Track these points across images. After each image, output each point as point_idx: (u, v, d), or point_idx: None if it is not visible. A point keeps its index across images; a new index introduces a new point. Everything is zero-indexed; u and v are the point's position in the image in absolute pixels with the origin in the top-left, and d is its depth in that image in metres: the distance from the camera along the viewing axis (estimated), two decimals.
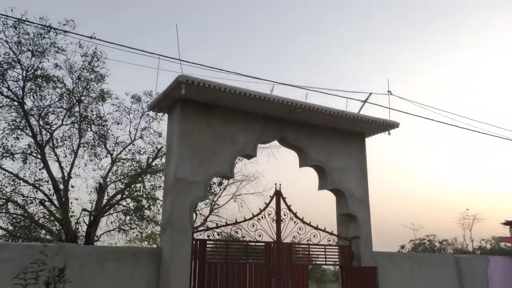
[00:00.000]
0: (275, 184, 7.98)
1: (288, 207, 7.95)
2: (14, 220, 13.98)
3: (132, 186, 15.43)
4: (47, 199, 14.11)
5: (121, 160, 16.03)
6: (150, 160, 15.97)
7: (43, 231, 14.07)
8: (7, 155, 13.70)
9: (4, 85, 13.29)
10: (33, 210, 14.06)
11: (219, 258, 7.20)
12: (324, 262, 8.31)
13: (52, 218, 13.90)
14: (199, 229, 7.47)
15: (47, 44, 13.51)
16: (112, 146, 15.81)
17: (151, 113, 15.98)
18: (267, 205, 7.82)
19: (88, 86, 14.69)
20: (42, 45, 13.46)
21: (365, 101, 8.76)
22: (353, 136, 9.02)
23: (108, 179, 15.29)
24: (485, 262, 11.19)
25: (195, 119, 7.26)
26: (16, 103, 13.64)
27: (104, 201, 14.95)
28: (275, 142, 8.59)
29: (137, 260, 6.62)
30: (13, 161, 13.96)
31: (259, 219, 7.64)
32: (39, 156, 14.01)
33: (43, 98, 14.09)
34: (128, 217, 15.61)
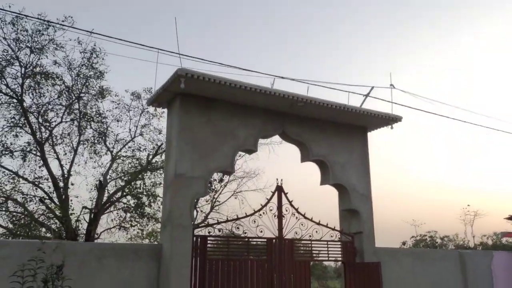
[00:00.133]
0: (277, 179, 7.91)
1: (290, 202, 7.86)
2: (14, 218, 13.94)
3: (133, 183, 15.36)
4: (47, 197, 14.03)
5: (121, 158, 15.95)
6: (150, 157, 15.90)
7: (43, 229, 14.02)
8: (7, 152, 13.62)
9: (3, 83, 13.19)
10: (33, 208, 14.03)
11: (220, 254, 7.11)
12: (326, 258, 8.21)
13: (52, 216, 13.84)
14: (199, 225, 7.38)
15: (46, 41, 13.42)
16: (112, 144, 15.75)
17: (151, 109, 15.92)
18: (269, 200, 7.73)
19: (87, 83, 14.60)
20: (41, 42, 13.37)
21: (367, 95, 8.65)
22: (355, 130, 8.92)
23: (108, 177, 15.22)
24: (489, 257, 11.12)
25: (195, 114, 7.15)
26: (15, 100, 13.53)
27: (104, 198, 14.88)
28: (276, 138, 8.50)
29: (137, 257, 6.55)
30: (13, 158, 13.90)
31: (260, 215, 7.55)
32: (38, 154, 13.92)
33: (42, 95, 14.00)
34: (128, 215, 15.55)
